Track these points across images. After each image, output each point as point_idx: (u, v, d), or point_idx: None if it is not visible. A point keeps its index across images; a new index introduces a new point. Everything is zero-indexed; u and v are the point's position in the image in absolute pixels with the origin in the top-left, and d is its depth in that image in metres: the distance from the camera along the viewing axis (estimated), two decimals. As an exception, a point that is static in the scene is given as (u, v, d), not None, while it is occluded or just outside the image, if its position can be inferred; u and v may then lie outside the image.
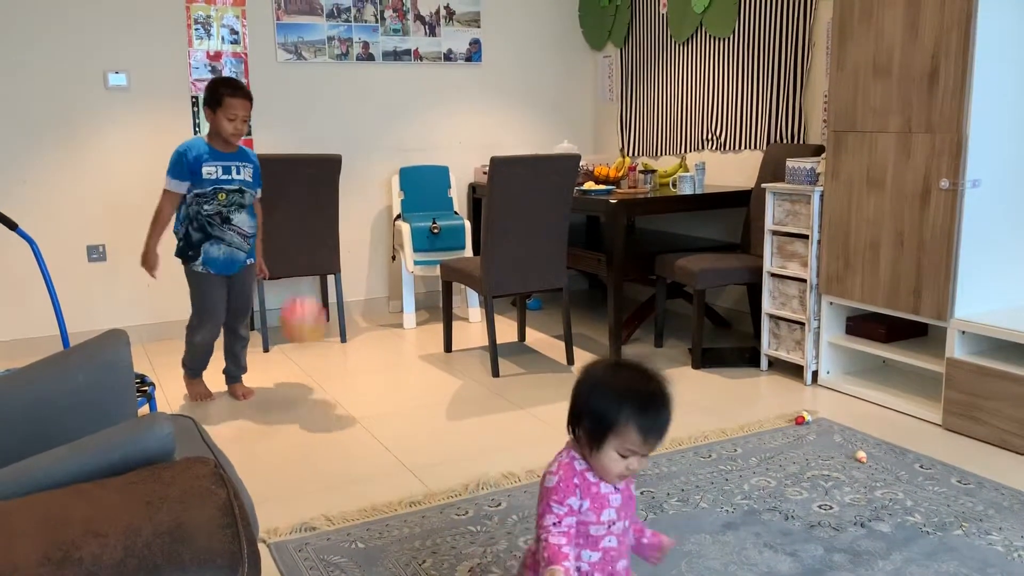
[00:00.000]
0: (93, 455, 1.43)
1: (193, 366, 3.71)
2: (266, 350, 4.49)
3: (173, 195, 3.44)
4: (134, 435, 1.46)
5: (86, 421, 1.82)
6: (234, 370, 3.78)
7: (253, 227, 3.58)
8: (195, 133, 4.68)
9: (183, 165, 3.40)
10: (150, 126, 4.60)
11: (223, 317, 3.62)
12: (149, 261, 3.49)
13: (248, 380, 4.01)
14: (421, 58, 5.21)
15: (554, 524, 1.53)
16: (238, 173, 3.48)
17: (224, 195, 3.45)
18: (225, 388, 3.80)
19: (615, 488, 1.58)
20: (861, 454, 2.91)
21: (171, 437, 1.47)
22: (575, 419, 1.57)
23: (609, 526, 1.58)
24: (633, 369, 1.57)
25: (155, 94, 4.58)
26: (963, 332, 3.15)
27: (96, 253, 4.57)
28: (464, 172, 5.43)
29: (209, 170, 3.42)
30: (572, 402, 1.57)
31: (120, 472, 1.42)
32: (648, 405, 1.51)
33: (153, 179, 4.63)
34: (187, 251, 3.50)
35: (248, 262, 3.62)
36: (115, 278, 4.63)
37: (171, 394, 3.80)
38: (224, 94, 3.36)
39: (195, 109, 4.67)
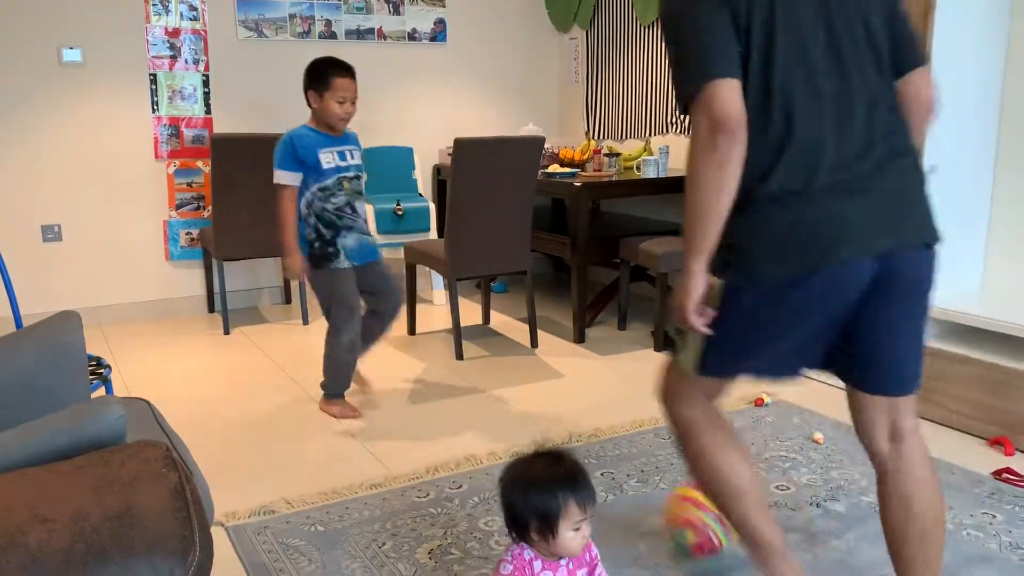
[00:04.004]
0: (41, 439, 1.40)
1: (336, 386, 3.27)
2: (226, 332, 4.43)
3: (291, 189, 3.07)
4: (84, 418, 1.43)
5: (37, 404, 1.79)
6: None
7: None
8: (153, 112, 4.60)
9: (291, 154, 3.05)
10: (107, 104, 4.50)
11: (359, 310, 3.23)
12: (297, 266, 3.09)
13: (207, 363, 3.97)
14: (385, 37, 5.15)
15: None
16: (352, 158, 3.17)
17: (348, 183, 3.14)
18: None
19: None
20: (818, 435, 2.95)
21: (122, 420, 1.44)
22: (520, 526, 1.64)
23: None
24: (541, 460, 1.68)
25: (111, 71, 4.48)
26: (918, 315, 3.20)
27: (51, 233, 4.47)
28: (428, 154, 5.39)
29: (327, 158, 3.08)
30: (510, 512, 1.65)
31: (69, 456, 1.40)
32: (575, 484, 1.62)
33: (110, 157, 4.55)
34: (327, 251, 3.12)
35: (379, 251, 3.31)
36: (71, 258, 4.54)
37: (128, 377, 3.74)
38: (333, 75, 3.04)
39: (153, 87, 4.58)
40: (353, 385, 3.35)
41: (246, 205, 4.37)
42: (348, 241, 3.15)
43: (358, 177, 3.21)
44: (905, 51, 1.67)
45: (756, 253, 1.59)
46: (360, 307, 3.23)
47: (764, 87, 1.55)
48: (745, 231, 1.59)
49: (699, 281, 1.60)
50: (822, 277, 1.56)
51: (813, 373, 1.85)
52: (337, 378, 3.26)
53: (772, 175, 1.56)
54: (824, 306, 1.61)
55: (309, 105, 3.12)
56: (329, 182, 3.10)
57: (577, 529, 1.62)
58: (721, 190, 1.53)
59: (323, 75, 3.06)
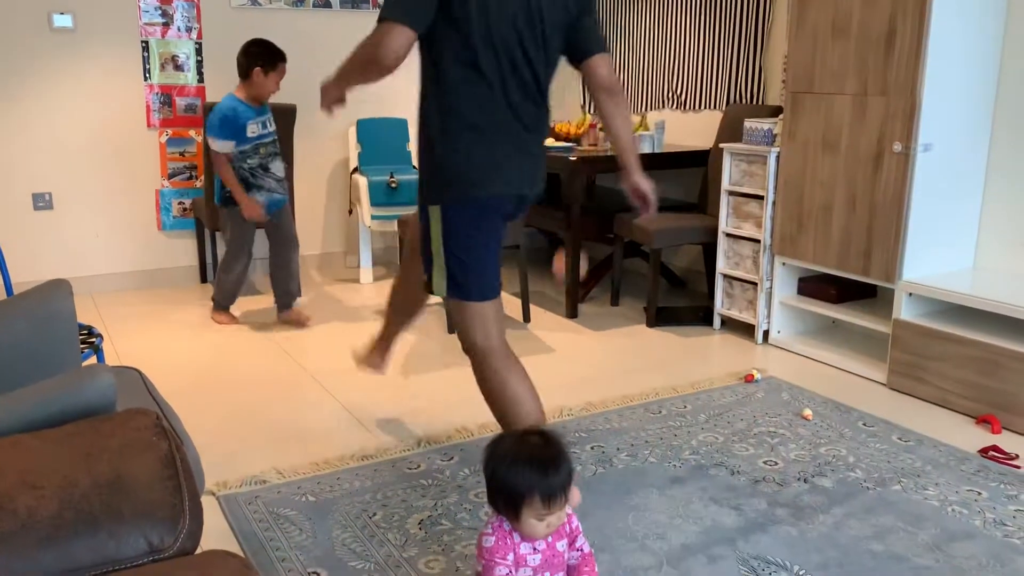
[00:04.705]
0: (30, 406, 1.40)
1: (223, 300, 4.10)
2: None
3: (227, 155, 3.78)
4: (73, 386, 1.43)
5: (28, 372, 1.79)
6: (287, 297, 4.09)
7: (283, 170, 4.01)
8: (145, 79, 4.56)
9: (230, 127, 3.73)
10: (98, 70, 4.45)
11: (252, 255, 4.06)
12: (256, 210, 3.82)
13: (200, 333, 3.97)
14: (379, 6, 5.09)
15: (508, 573, 1.65)
16: (271, 125, 3.91)
17: (264, 148, 3.86)
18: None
19: (534, 548, 1.68)
20: (807, 412, 2.97)
21: (112, 388, 1.45)
22: (492, 497, 1.67)
23: None
24: (529, 440, 1.67)
25: (103, 37, 4.43)
26: (910, 294, 3.21)
27: (42, 201, 4.44)
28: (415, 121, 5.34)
29: (253, 128, 3.80)
30: (486, 481, 1.67)
31: (59, 424, 1.40)
32: (544, 475, 1.60)
33: (102, 125, 4.51)
34: (233, 199, 3.84)
35: (284, 202, 4.03)
36: (63, 227, 4.52)
37: (120, 346, 3.74)
38: (279, 59, 3.79)
39: (145, 55, 4.53)
40: (228, 318, 4.12)
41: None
42: (258, 197, 3.85)
43: (274, 141, 3.93)
44: (592, 40, 2.26)
45: (460, 181, 2.14)
46: (252, 254, 4.07)
47: (471, 55, 2.08)
48: (453, 165, 2.14)
49: (339, 92, 2.23)
50: (492, 202, 2.17)
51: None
52: (223, 295, 4.08)
53: (474, 128, 2.12)
54: (495, 223, 2.21)
55: (246, 76, 3.77)
56: (247, 147, 3.81)
57: (541, 519, 1.62)
58: (366, 74, 2.13)
59: (273, 57, 3.77)
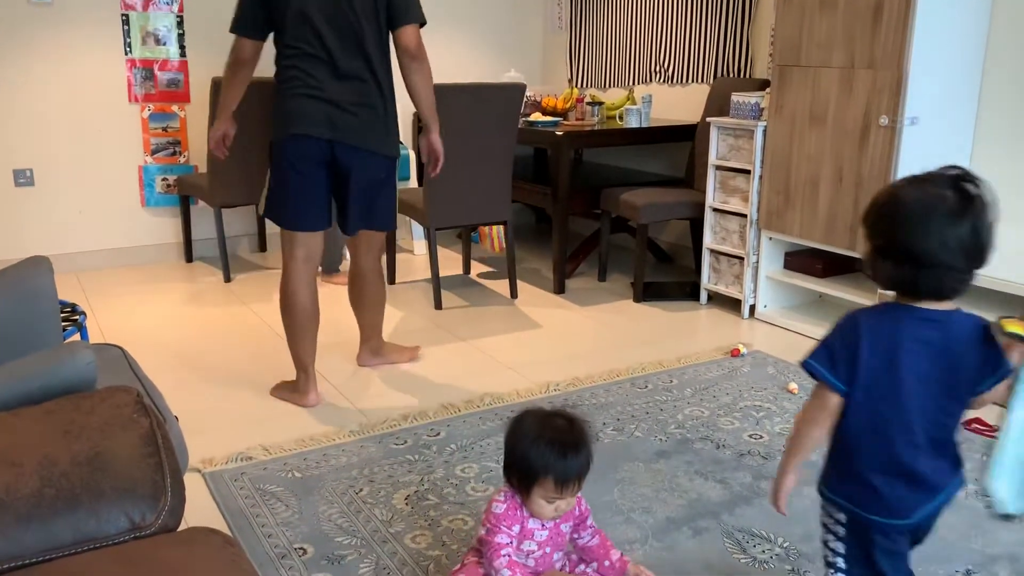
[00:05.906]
0: (8, 383, 1.38)
1: (326, 265, 4.32)
2: (227, 279, 4.39)
3: None
4: (53, 363, 1.42)
5: (9, 350, 1.77)
6: (330, 264, 4.42)
7: None
8: (126, 54, 4.49)
9: None
10: (78, 45, 4.38)
11: (331, 220, 4.69)
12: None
13: (187, 312, 3.95)
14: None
15: (508, 543, 1.66)
16: None
17: None
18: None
19: (542, 524, 1.70)
20: (793, 385, 2.98)
21: (92, 366, 1.43)
22: (507, 469, 1.68)
23: (528, 555, 1.71)
24: (554, 422, 1.67)
25: (82, 10, 4.36)
26: (895, 268, 3.22)
27: (23, 178, 4.39)
28: (408, 100, 5.30)
29: None
30: (505, 453, 1.69)
31: (38, 401, 1.38)
32: (561, 458, 1.61)
33: (83, 100, 4.44)
34: None
35: None
36: (45, 204, 4.47)
37: (105, 324, 3.72)
38: None
39: (125, 28, 4.46)
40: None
41: (238, 150, 4.29)
42: None
43: None
44: (399, 12, 2.67)
45: (277, 124, 2.67)
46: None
47: (287, 39, 2.64)
48: (275, 111, 2.68)
49: (223, 126, 2.81)
50: (300, 142, 2.64)
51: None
52: (326, 260, 4.24)
53: (292, 83, 2.64)
54: (303, 163, 2.67)
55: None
56: None
57: (551, 502, 1.64)
58: (231, 91, 2.76)
59: None
